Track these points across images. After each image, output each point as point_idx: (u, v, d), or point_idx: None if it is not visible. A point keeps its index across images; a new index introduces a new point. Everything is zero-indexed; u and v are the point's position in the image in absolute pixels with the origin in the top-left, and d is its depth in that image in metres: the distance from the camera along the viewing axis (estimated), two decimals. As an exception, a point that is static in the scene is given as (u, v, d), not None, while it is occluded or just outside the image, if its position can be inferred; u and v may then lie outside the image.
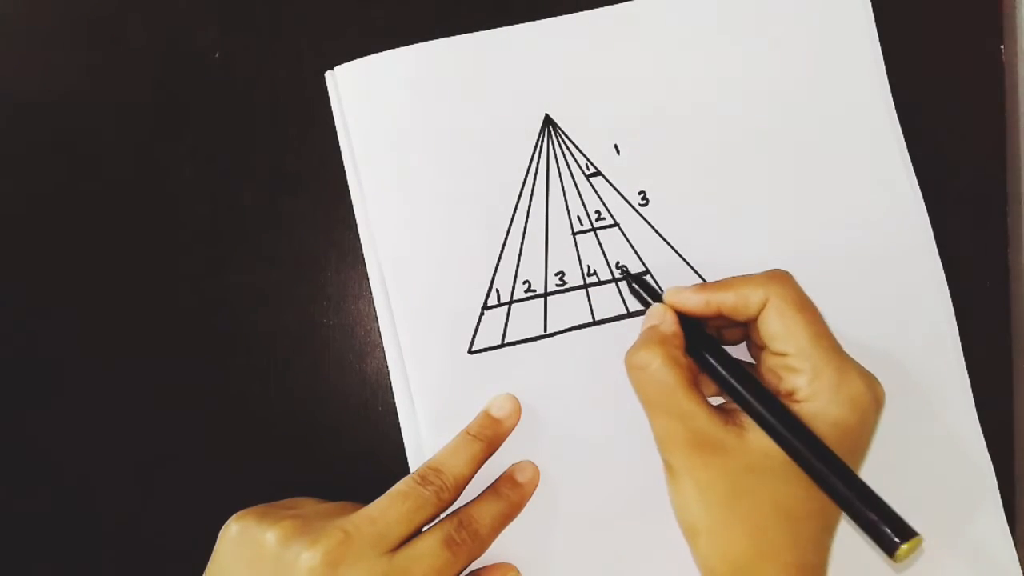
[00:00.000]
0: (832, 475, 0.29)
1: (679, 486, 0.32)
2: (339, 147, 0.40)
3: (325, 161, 0.40)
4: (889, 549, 0.28)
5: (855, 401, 0.30)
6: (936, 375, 0.38)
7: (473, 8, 0.40)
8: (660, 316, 0.34)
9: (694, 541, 0.32)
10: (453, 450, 0.35)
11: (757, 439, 0.30)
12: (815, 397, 0.31)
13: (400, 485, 0.34)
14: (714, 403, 0.33)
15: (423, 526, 0.34)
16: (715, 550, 0.31)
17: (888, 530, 0.28)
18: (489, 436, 0.36)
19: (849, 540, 0.35)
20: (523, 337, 0.38)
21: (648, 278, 0.38)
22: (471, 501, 0.35)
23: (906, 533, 0.28)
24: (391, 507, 0.33)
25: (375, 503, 0.33)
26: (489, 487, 0.36)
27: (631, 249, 0.39)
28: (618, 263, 0.39)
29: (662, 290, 0.36)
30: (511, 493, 0.36)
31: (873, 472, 0.37)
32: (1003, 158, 0.40)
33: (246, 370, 0.40)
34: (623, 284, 0.38)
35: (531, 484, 0.36)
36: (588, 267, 0.39)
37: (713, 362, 0.33)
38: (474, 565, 0.35)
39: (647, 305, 0.36)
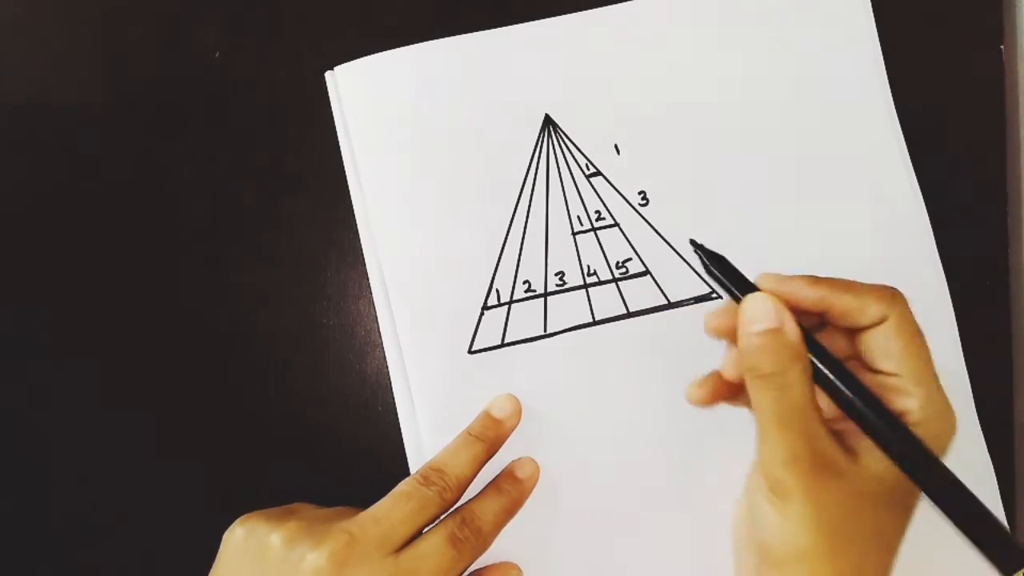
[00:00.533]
0: (959, 503, 0.29)
1: (792, 508, 0.29)
2: (339, 147, 0.40)
3: (325, 161, 0.40)
4: (1007, 571, 0.28)
5: (953, 428, 0.30)
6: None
7: (473, 8, 0.40)
8: (778, 315, 0.30)
9: (796, 566, 0.30)
10: (455, 450, 0.35)
11: (870, 464, 0.29)
12: (927, 422, 0.30)
13: (403, 486, 0.34)
14: None
15: (426, 526, 0.34)
16: (818, 574, 0.30)
17: (1010, 556, 0.28)
18: (490, 437, 0.36)
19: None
20: (523, 337, 0.38)
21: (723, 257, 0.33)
22: (472, 498, 0.35)
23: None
24: (395, 508, 0.33)
25: (378, 504, 0.33)
26: (490, 484, 0.36)
27: (631, 249, 0.39)
28: (618, 263, 0.39)
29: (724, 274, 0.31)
30: (512, 489, 0.36)
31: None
32: (1003, 158, 0.40)
33: (246, 370, 0.40)
34: (622, 283, 0.38)
35: (531, 480, 0.37)
36: (588, 267, 0.39)
37: (834, 379, 0.30)
38: (477, 563, 0.35)
39: (722, 283, 0.31)
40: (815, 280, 0.31)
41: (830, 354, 0.30)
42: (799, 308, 0.30)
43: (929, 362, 0.30)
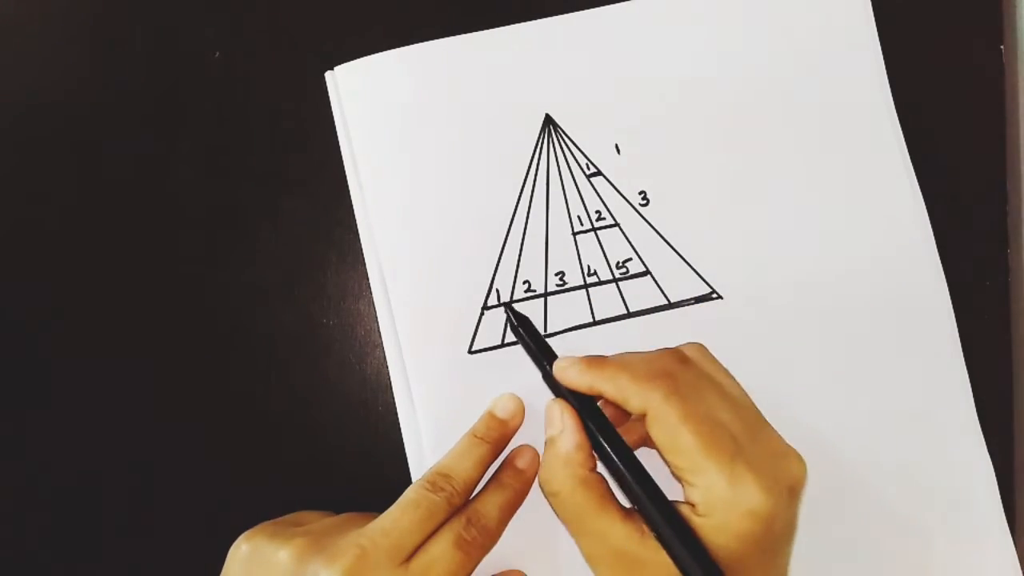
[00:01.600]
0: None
1: None
2: (339, 147, 0.40)
3: (325, 161, 0.40)
4: None
5: (755, 514, 0.29)
6: (936, 375, 0.38)
7: (473, 8, 0.40)
8: (559, 424, 0.33)
9: None
10: (460, 454, 0.35)
11: (660, 554, 0.30)
12: (712, 512, 0.30)
13: (410, 493, 0.34)
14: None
15: (435, 532, 0.33)
16: None
17: None
18: (495, 437, 0.36)
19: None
20: (523, 337, 0.38)
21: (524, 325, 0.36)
22: (476, 496, 0.35)
23: None
24: (403, 517, 0.33)
25: (387, 514, 0.33)
26: (492, 478, 0.36)
27: (631, 249, 0.39)
28: (619, 263, 0.39)
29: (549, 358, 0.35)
30: (514, 481, 0.36)
31: (873, 472, 0.37)
32: (1003, 158, 0.40)
33: (246, 370, 0.40)
34: (622, 283, 0.38)
35: (532, 468, 0.36)
36: (588, 267, 0.39)
37: (618, 465, 0.32)
38: (484, 567, 0.35)
39: (527, 346, 0.36)
40: (590, 364, 0.33)
41: (626, 448, 0.32)
42: (581, 390, 0.33)
43: (707, 448, 0.30)
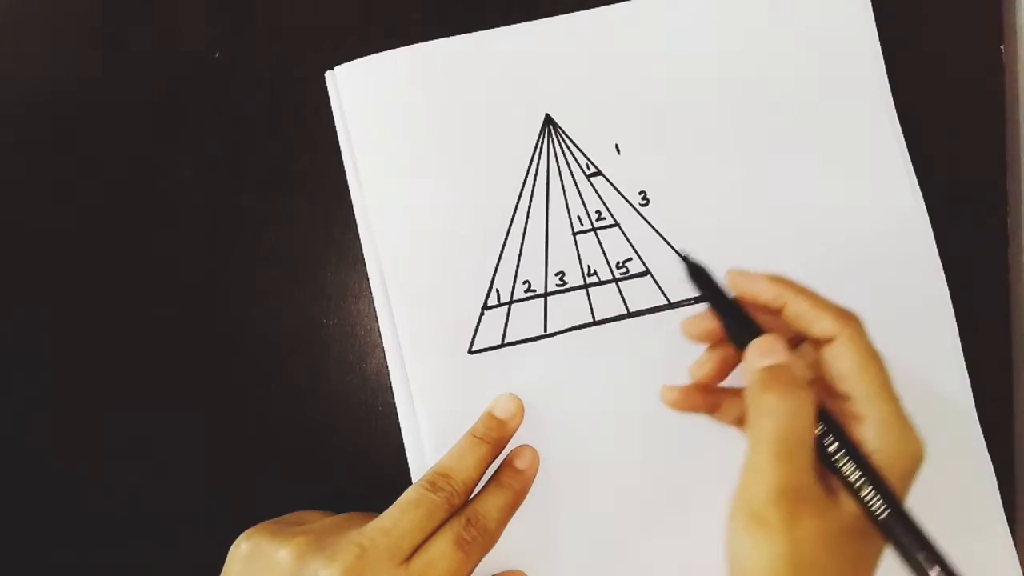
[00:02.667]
0: (919, 551, 0.29)
1: (767, 542, 0.29)
2: (339, 147, 0.40)
3: (325, 161, 0.40)
4: None
5: (915, 459, 0.30)
6: (936, 375, 0.38)
7: (473, 8, 0.40)
8: (783, 353, 0.31)
9: None
10: (460, 454, 0.35)
11: (847, 501, 0.29)
12: (884, 448, 0.30)
13: (410, 493, 0.34)
14: None
15: (435, 531, 0.33)
16: None
17: None
18: (495, 438, 0.36)
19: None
20: (523, 337, 0.38)
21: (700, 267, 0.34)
22: (475, 496, 0.35)
23: None
24: (403, 517, 0.33)
25: (387, 514, 0.33)
26: (491, 479, 0.36)
27: (631, 249, 0.39)
28: (619, 263, 0.39)
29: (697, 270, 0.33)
30: (514, 481, 0.36)
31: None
32: (1003, 158, 0.40)
33: (246, 370, 0.40)
34: (622, 283, 0.38)
35: (532, 468, 0.36)
36: (588, 267, 0.39)
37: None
38: (484, 567, 0.35)
39: (701, 288, 0.33)
40: (778, 280, 0.32)
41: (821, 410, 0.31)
42: (758, 302, 0.32)
43: (885, 387, 0.30)
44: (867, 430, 0.30)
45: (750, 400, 0.31)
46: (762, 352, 0.31)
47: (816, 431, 0.30)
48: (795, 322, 0.32)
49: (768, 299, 0.32)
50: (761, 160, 0.39)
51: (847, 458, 0.30)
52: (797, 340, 0.33)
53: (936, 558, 0.29)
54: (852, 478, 0.29)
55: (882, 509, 0.29)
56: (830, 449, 0.30)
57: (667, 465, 0.37)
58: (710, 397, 0.34)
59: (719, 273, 0.38)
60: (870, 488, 0.29)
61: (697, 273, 0.33)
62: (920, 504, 0.37)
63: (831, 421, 0.30)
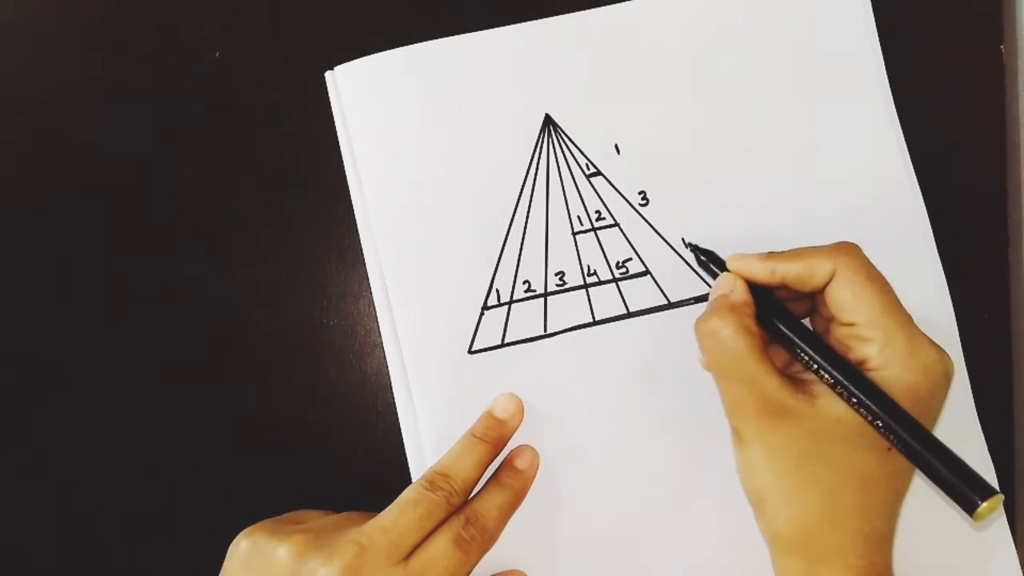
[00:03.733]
0: (910, 437, 0.30)
1: (747, 453, 0.32)
2: (339, 147, 0.40)
3: (325, 161, 0.40)
4: (970, 508, 0.29)
5: (927, 369, 0.31)
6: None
7: (473, 8, 0.40)
8: (730, 284, 0.34)
9: (761, 508, 0.32)
10: (459, 453, 0.35)
11: (828, 406, 0.31)
12: (887, 365, 0.31)
13: (409, 492, 0.34)
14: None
15: (434, 530, 0.33)
16: (783, 516, 0.31)
17: (968, 489, 0.29)
18: (494, 437, 0.36)
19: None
20: (523, 337, 0.38)
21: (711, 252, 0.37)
22: (475, 496, 0.35)
23: (986, 491, 0.29)
24: (402, 515, 0.33)
25: (386, 512, 0.33)
26: (491, 478, 0.36)
27: (631, 249, 0.39)
28: (618, 263, 0.39)
29: (719, 261, 0.36)
30: (513, 481, 0.36)
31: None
32: (1003, 158, 0.40)
33: (246, 370, 0.40)
34: (622, 283, 0.38)
35: (532, 468, 0.36)
36: (588, 267, 0.39)
37: (784, 329, 0.33)
38: (484, 567, 0.35)
39: (713, 275, 0.36)
40: (768, 255, 0.34)
41: (787, 312, 0.33)
42: (760, 281, 0.34)
43: (889, 306, 0.31)
44: (870, 349, 0.31)
45: (695, 330, 0.33)
46: (713, 289, 0.35)
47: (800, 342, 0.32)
48: (802, 288, 0.33)
49: (764, 276, 0.33)
50: (760, 160, 0.39)
51: (814, 361, 0.31)
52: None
53: (932, 446, 0.30)
54: (825, 377, 0.31)
55: (858, 406, 0.30)
56: (803, 356, 0.32)
57: (667, 465, 0.37)
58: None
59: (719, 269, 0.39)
60: (844, 384, 0.30)
61: (710, 258, 0.36)
62: (921, 503, 0.37)
63: (798, 326, 0.33)
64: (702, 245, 0.37)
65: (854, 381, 0.30)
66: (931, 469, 0.30)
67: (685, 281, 0.38)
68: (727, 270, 0.35)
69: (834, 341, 0.33)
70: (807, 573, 0.31)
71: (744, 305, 0.33)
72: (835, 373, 0.31)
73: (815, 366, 0.32)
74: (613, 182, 0.39)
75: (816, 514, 0.30)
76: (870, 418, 0.30)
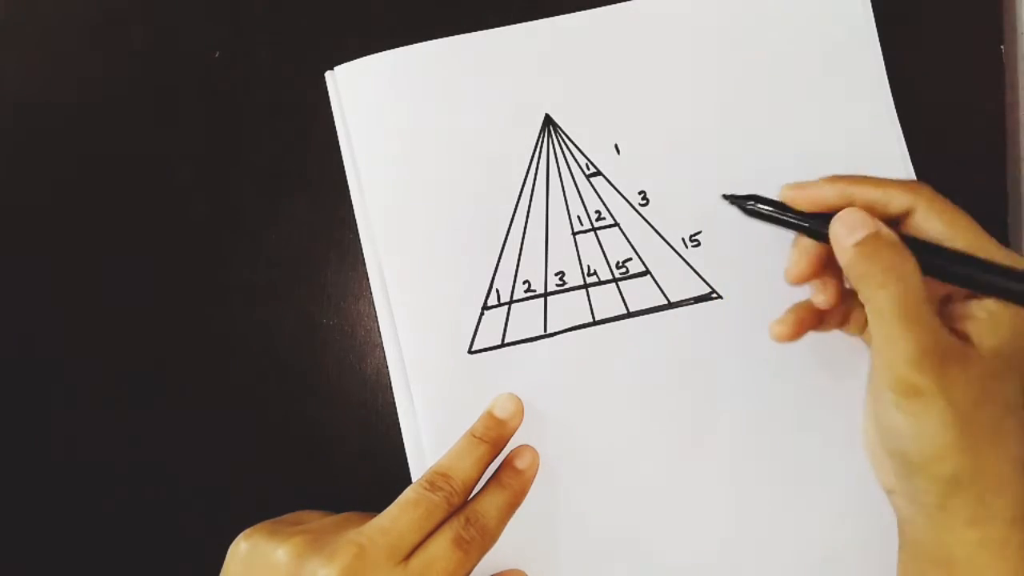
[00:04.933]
0: None
1: (929, 410, 0.29)
2: (339, 147, 0.40)
3: (325, 161, 0.40)
4: None
5: None
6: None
7: (473, 8, 0.40)
8: (873, 221, 0.30)
9: (934, 466, 0.29)
10: (459, 453, 0.35)
11: (985, 342, 0.29)
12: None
13: (409, 493, 0.34)
14: None
15: (434, 531, 0.33)
16: (963, 464, 0.29)
17: None
18: (494, 437, 0.36)
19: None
20: (523, 337, 0.38)
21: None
22: (475, 496, 0.35)
23: None
24: (402, 516, 0.33)
25: (385, 513, 0.33)
26: (491, 478, 0.36)
27: (631, 249, 0.39)
28: (618, 263, 0.39)
29: (752, 201, 0.33)
30: (513, 482, 0.36)
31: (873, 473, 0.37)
32: (1003, 159, 0.40)
33: (246, 370, 0.40)
34: (622, 283, 0.38)
35: (532, 469, 0.36)
36: (588, 267, 0.39)
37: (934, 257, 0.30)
38: (484, 567, 0.35)
39: (773, 220, 0.33)
40: (835, 178, 0.32)
41: (919, 240, 0.30)
42: (825, 206, 0.31)
43: (981, 235, 0.30)
44: None
45: (856, 278, 0.30)
46: (849, 227, 0.31)
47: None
48: (871, 211, 0.31)
49: (834, 199, 0.31)
50: (760, 160, 0.39)
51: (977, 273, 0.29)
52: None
53: None
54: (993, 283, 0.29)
55: None
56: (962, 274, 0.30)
57: (666, 464, 0.37)
58: (817, 314, 0.34)
59: (720, 269, 0.39)
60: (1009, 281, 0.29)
61: (754, 201, 0.33)
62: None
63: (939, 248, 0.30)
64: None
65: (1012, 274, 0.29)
66: None
67: (685, 281, 0.38)
68: (787, 209, 0.32)
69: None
70: (978, 512, 0.29)
71: (902, 241, 0.30)
72: (999, 279, 0.29)
73: (981, 283, 0.29)
74: (613, 182, 0.39)
75: (987, 452, 0.29)
76: None
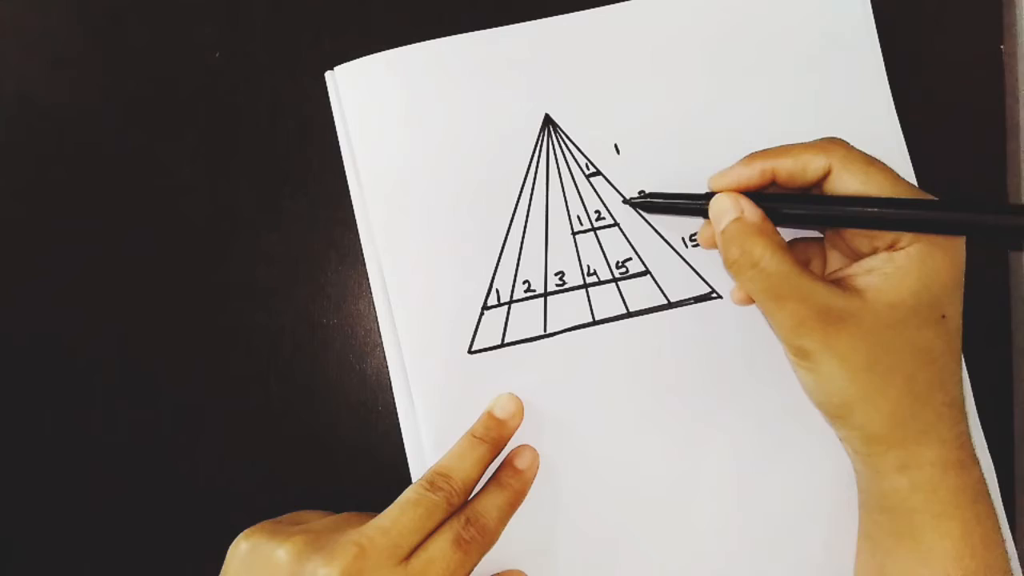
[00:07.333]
0: (975, 212, 0.29)
1: (820, 368, 0.31)
2: (339, 147, 0.40)
3: (325, 161, 0.40)
4: None
5: (957, 248, 0.31)
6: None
7: (473, 8, 0.40)
8: (736, 206, 0.32)
9: (847, 417, 0.31)
10: (459, 454, 0.35)
11: (878, 295, 0.30)
12: (918, 237, 0.30)
13: (409, 493, 0.34)
14: None
15: (434, 531, 0.33)
16: (872, 416, 0.31)
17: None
18: (494, 437, 0.36)
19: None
20: (523, 337, 0.38)
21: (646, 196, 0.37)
22: (475, 496, 0.35)
23: None
24: (402, 516, 0.33)
25: (386, 513, 0.33)
26: (491, 479, 0.36)
27: (631, 249, 0.39)
28: (618, 263, 0.39)
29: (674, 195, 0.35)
30: (513, 482, 0.36)
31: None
32: (1003, 158, 0.40)
33: (246, 370, 0.40)
34: (622, 283, 0.38)
35: (532, 469, 0.36)
36: (588, 267, 0.39)
37: (801, 211, 0.32)
38: (484, 567, 0.35)
39: (689, 210, 0.35)
40: (752, 157, 0.33)
41: (789, 196, 0.32)
42: (749, 187, 0.33)
43: (897, 181, 0.31)
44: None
45: (727, 265, 0.32)
46: (716, 216, 0.33)
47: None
48: (793, 184, 0.32)
49: (756, 178, 0.33)
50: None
51: (849, 215, 0.31)
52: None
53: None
54: (872, 214, 0.30)
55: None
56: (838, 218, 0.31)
57: (666, 464, 0.37)
58: None
59: (720, 269, 0.39)
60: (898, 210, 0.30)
61: (648, 197, 0.36)
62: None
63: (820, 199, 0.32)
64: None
65: (898, 205, 0.30)
66: (1007, 232, 0.30)
67: (685, 281, 0.38)
68: (694, 197, 0.34)
69: (846, 241, 0.33)
70: (905, 459, 0.31)
71: (764, 221, 0.32)
72: (884, 209, 0.30)
73: (854, 219, 0.31)
74: (613, 182, 0.39)
75: (901, 402, 0.30)
76: (935, 228, 0.30)
